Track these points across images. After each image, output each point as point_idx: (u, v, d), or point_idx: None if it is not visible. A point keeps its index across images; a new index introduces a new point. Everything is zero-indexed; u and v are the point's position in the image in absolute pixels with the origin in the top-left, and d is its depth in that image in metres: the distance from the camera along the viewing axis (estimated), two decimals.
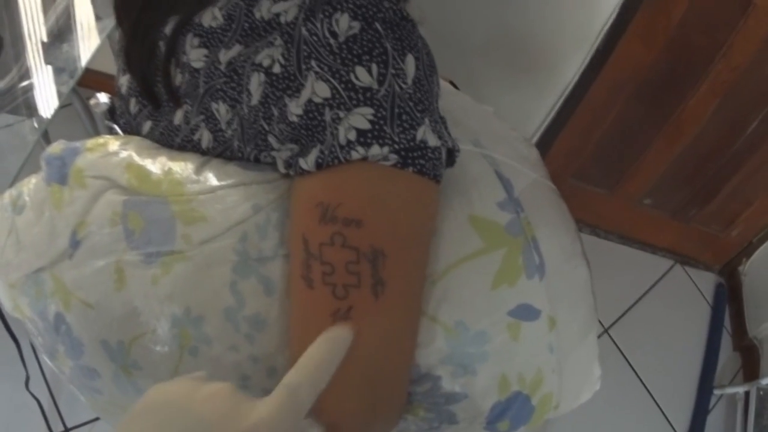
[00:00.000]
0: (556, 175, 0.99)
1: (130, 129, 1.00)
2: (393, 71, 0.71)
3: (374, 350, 0.73)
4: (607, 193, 3.08)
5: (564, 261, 0.90)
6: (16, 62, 1.73)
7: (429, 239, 0.79)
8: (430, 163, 0.72)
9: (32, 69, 1.74)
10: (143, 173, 0.84)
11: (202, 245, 0.80)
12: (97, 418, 2.26)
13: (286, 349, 0.80)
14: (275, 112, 0.74)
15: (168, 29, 0.84)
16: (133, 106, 0.97)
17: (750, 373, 2.93)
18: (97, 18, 1.89)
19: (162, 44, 0.86)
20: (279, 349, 0.80)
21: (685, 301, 3.28)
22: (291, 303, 0.77)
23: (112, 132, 1.06)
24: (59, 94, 1.68)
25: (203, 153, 0.86)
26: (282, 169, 0.78)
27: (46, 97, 1.68)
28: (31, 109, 1.65)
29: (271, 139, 0.77)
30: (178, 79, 0.86)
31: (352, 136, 0.69)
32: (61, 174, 0.89)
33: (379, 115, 0.70)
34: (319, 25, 0.71)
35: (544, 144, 2.61)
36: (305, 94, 0.71)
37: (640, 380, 2.90)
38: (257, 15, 0.76)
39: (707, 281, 3.39)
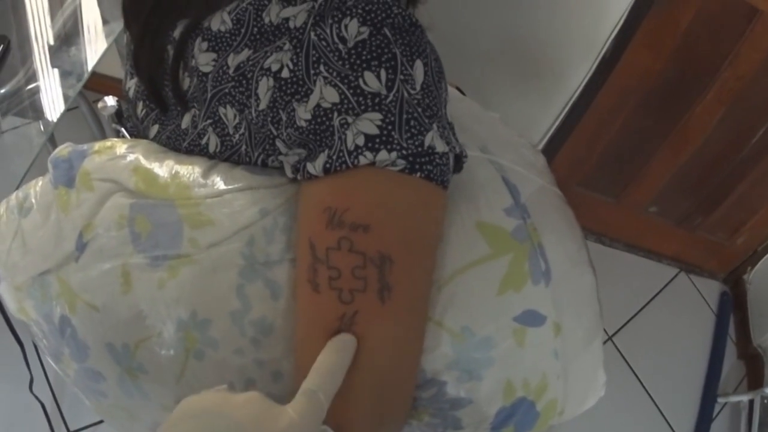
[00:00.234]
0: (562, 182, 0.98)
1: (138, 132, 1.00)
2: (402, 77, 0.71)
3: (380, 355, 0.73)
4: (612, 200, 3.08)
5: (570, 267, 0.90)
6: (23, 65, 1.73)
7: (436, 245, 0.79)
8: (437, 169, 0.72)
9: (39, 72, 1.74)
10: (150, 176, 0.85)
11: (209, 249, 0.80)
12: (100, 421, 2.26)
13: (291, 353, 0.80)
14: (283, 116, 0.74)
15: (177, 33, 0.84)
16: (141, 109, 0.97)
17: (754, 381, 2.93)
18: (105, 21, 1.89)
19: (170, 48, 0.86)
20: (285, 354, 0.80)
21: (690, 309, 3.27)
22: (297, 307, 0.77)
23: (119, 135, 1.06)
24: (66, 97, 1.69)
25: (210, 157, 0.86)
26: (290, 174, 0.78)
27: (53, 100, 1.68)
28: (37, 111, 1.65)
29: (279, 143, 0.77)
30: (186, 83, 0.86)
31: (360, 141, 0.69)
32: (68, 177, 0.89)
33: (387, 120, 0.70)
34: (328, 30, 0.71)
35: (550, 151, 2.60)
36: (314, 98, 0.71)
37: (644, 388, 2.90)
38: (266, 19, 0.77)
39: (712, 289, 3.38)
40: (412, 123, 0.70)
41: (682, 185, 2.92)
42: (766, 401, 2.74)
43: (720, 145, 2.69)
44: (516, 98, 2.33)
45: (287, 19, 0.75)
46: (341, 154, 0.70)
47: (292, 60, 0.73)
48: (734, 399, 2.88)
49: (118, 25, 1.84)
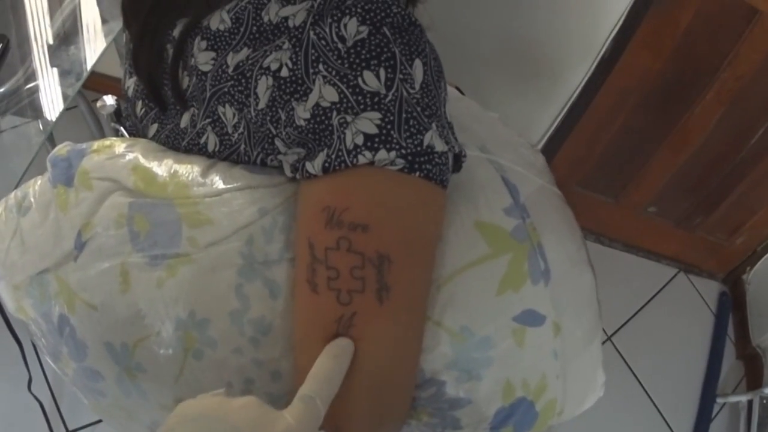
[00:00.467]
0: (561, 182, 0.98)
1: (137, 131, 1.00)
2: (401, 76, 0.71)
3: (379, 355, 0.73)
4: (611, 201, 3.08)
5: (569, 267, 0.90)
6: (22, 64, 1.73)
7: (435, 244, 0.79)
8: (437, 168, 0.72)
9: (38, 71, 1.74)
10: (149, 175, 0.84)
11: (208, 248, 0.80)
12: (98, 421, 2.26)
13: (290, 353, 0.80)
14: (282, 115, 0.74)
15: (176, 32, 0.84)
16: (140, 108, 0.97)
17: (753, 381, 2.93)
18: (104, 21, 1.89)
19: (170, 47, 0.86)
20: (283, 353, 0.80)
21: (689, 310, 3.27)
22: (295, 307, 0.77)
23: (118, 134, 1.06)
24: (65, 96, 1.68)
25: (209, 156, 0.86)
26: (289, 173, 0.77)
27: (52, 99, 1.68)
28: (36, 111, 1.65)
29: (278, 142, 0.77)
30: (186, 82, 0.86)
31: (360, 140, 0.69)
32: (67, 175, 0.89)
33: (386, 119, 0.70)
34: (327, 30, 0.71)
35: (550, 151, 2.60)
36: (313, 98, 0.71)
37: (643, 388, 2.90)
38: (265, 18, 0.76)
39: (711, 289, 3.38)
40: (411, 122, 0.70)
41: (681, 185, 2.92)
42: (765, 401, 2.74)
43: (719, 146, 2.69)
44: (515, 98, 2.33)
45: (286, 18, 0.75)
46: (340, 154, 0.70)
47: (291, 59, 0.73)
48: (733, 399, 2.88)
49: (117, 24, 1.84)
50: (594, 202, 3.08)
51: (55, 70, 1.76)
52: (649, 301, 3.20)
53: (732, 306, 3.31)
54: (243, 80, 0.78)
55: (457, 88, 1.20)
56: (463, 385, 0.83)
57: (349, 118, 0.70)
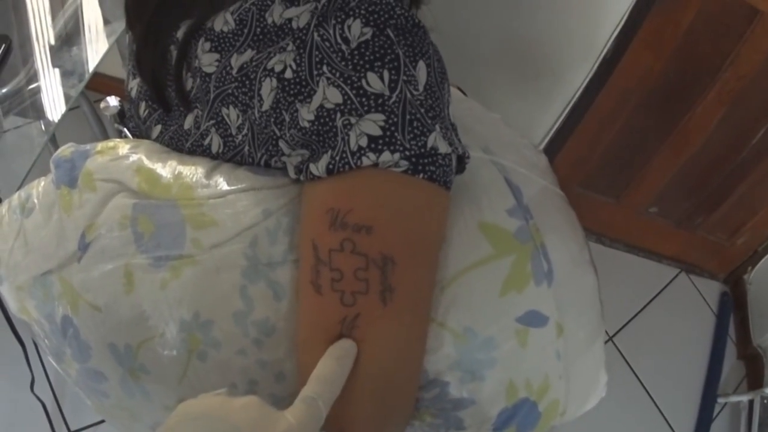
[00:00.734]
0: (563, 183, 0.98)
1: (140, 133, 1.00)
2: (405, 78, 0.71)
3: (383, 357, 0.73)
4: (613, 201, 3.08)
5: (572, 268, 0.90)
6: (24, 65, 1.73)
7: (439, 246, 0.79)
8: (440, 170, 0.72)
9: (40, 72, 1.74)
10: (153, 177, 0.85)
11: (212, 249, 0.80)
12: (101, 421, 2.26)
13: (294, 354, 0.80)
14: (286, 117, 0.74)
15: (180, 34, 0.84)
16: (143, 109, 0.97)
17: (754, 381, 2.93)
18: (106, 22, 1.89)
19: (173, 49, 0.86)
20: (287, 354, 0.80)
21: (690, 310, 3.27)
22: (299, 308, 0.77)
23: (121, 135, 1.06)
24: (67, 97, 1.68)
25: (213, 158, 0.86)
26: (292, 175, 0.78)
27: (54, 100, 1.68)
28: (39, 111, 1.65)
29: (282, 144, 0.77)
30: (189, 83, 0.86)
31: (363, 142, 0.70)
32: (70, 177, 0.89)
33: (390, 121, 0.70)
34: (331, 31, 0.71)
35: (551, 152, 2.60)
36: (317, 99, 0.71)
37: (644, 388, 2.90)
38: (269, 20, 0.77)
39: (712, 290, 3.38)
40: (415, 124, 0.70)
41: (682, 186, 2.92)
42: (766, 401, 2.74)
43: (720, 146, 2.69)
44: (516, 99, 2.33)
45: (290, 20, 0.75)
46: (344, 155, 0.70)
47: (295, 60, 0.73)
48: (734, 399, 2.88)
49: (120, 25, 1.84)
50: (595, 202, 3.08)
51: (57, 70, 1.76)
52: (650, 301, 3.20)
53: (733, 306, 3.31)
54: (247, 82, 0.78)
55: (460, 89, 1.20)
56: (466, 385, 0.83)
57: (353, 120, 0.70)
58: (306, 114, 0.72)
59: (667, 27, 2.24)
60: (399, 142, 0.70)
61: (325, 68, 0.71)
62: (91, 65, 1.77)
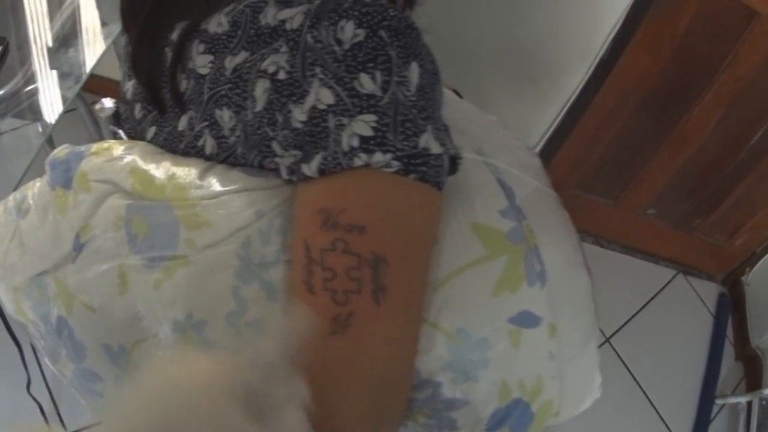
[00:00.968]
0: (560, 184, 0.98)
1: (135, 134, 1.00)
2: (397, 79, 0.71)
3: (375, 356, 0.73)
4: (610, 203, 3.08)
5: (565, 269, 0.90)
6: (21, 66, 1.73)
7: (431, 246, 0.79)
8: (432, 171, 0.73)
9: (37, 73, 1.74)
10: (147, 178, 0.85)
11: (205, 250, 0.80)
12: (97, 422, 2.26)
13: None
14: (279, 118, 0.74)
15: (175, 36, 0.85)
16: (138, 111, 0.97)
17: (752, 383, 2.93)
18: (103, 24, 1.89)
19: (168, 50, 0.86)
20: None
21: (688, 311, 3.27)
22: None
23: (116, 137, 1.06)
24: (64, 98, 1.69)
25: (207, 159, 0.86)
26: (285, 176, 0.78)
27: (51, 102, 1.68)
28: (35, 113, 1.65)
29: (274, 145, 0.77)
30: (184, 85, 0.86)
31: (355, 142, 0.70)
32: (65, 178, 0.89)
33: (382, 122, 0.70)
34: (324, 33, 0.72)
35: (548, 153, 2.60)
36: (309, 100, 0.71)
37: (642, 390, 2.90)
38: (263, 22, 0.77)
39: (710, 291, 3.38)
40: (407, 125, 0.71)
41: (680, 187, 2.92)
42: (764, 403, 2.74)
43: (718, 147, 2.69)
44: (514, 100, 2.33)
45: (284, 21, 0.75)
46: (336, 156, 0.70)
47: (288, 62, 0.73)
48: (732, 400, 2.88)
49: (117, 26, 1.84)
50: (593, 203, 3.08)
51: (54, 72, 1.76)
52: (647, 302, 3.20)
53: (731, 307, 3.31)
54: (240, 83, 0.78)
55: (455, 91, 1.20)
56: (459, 386, 0.83)
57: (345, 121, 0.70)
58: (299, 115, 0.72)
59: (664, 28, 2.25)
60: (391, 143, 0.70)
61: (317, 69, 0.71)
62: (88, 67, 1.77)
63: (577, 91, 2.26)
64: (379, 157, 0.70)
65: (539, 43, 2.16)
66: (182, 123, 0.88)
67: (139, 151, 0.89)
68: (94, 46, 1.83)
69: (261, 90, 0.75)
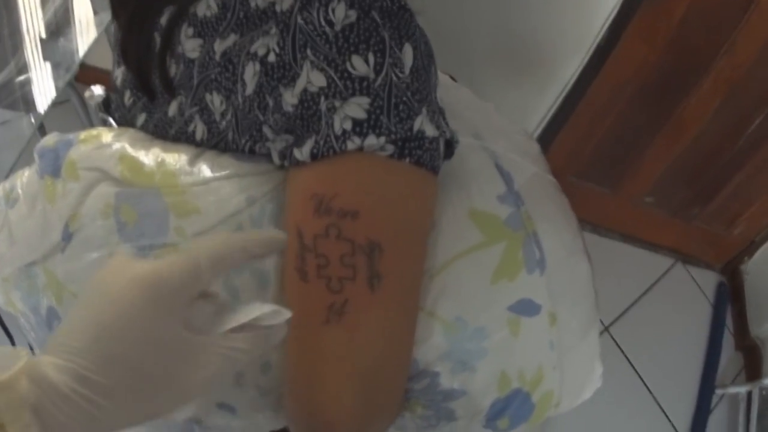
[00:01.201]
0: (557, 173, 0.98)
1: (125, 122, 0.99)
2: (390, 60, 0.70)
3: (371, 345, 0.73)
4: (608, 191, 3.08)
5: (565, 256, 0.89)
6: (13, 56, 1.73)
7: (427, 232, 0.78)
8: (427, 154, 0.71)
9: (30, 64, 1.73)
10: (136, 165, 0.83)
11: (196, 237, 0.79)
12: None
13: (280, 344, 0.79)
14: (270, 102, 0.73)
15: (163, 20, 0.83)
16: (128, 98, 0.96)
17: (752, 373, 2.93)
18: (95, 12, 1.89)
19: (157, 35, 0.85)
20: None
21: (687, 300, 3.27)
22: (285, 296, 0.76)
23: (106, 125, 1.05)
24: (56, 89, 1.68)
25: (197, 145, 0.85)
26: (277, 161, 0.77)
27: (44, 92, 1.67)
28: (28, 104, 1.64)
29: (265, 129, 0.76)
30: (173, 70, 0.85)
31: (348, 125, 0.68)
32: (54, 166, 0.88)
33: (375, 104, 0.69)
34: (315, 14, 0.70)
35: (545, 142, 2.60)
36: (300, 83, 0.70)
37: (641, 379, 2.89)
38: (252, 4, 0.75)
39: (709, 280, 3.38)
40: (401, 107, 0.69)
41: (678, 176, 2.92)
42: (764, 393, 2.74)
43: (716, 136, 2.69)
44: (510, 88, 2.33)
45: (274, 3, 0.74)
46: (328, 140, 0.69)
47: (278, 44, 0.72)
48: (732, 390, 2.88)
49: (108, 15, 1.84)
50: (590, 192, 3.08)
51: (48, 63, 1.75)
52: (646, 291, 3.20)
53: (730, 297, 3.31)
54: (230, 67, 0.77)
55: (450, 77, 1.19)
56: (457, 376, 0.82)
57: (337, 104, 0.69)
58: (289, 98, 0.71)
59: (660, 16, 2.24)
60: (384, 126, 0.69)
61: (308, 51, 0.70)
62: (80, 56, 1.76)
63: (573, 80, 2.25)
64: (372, 140, 0.69)
65: (535, 30, 2.15)
66: (172, 109, 0.87)
67: (128, 138, 0.88)
68: (86, 35, 1.83)
69: (251, 73, 0.74)
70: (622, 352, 2.94)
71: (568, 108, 2.37)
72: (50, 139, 0.92)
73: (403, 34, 0.71)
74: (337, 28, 0.69)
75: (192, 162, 0.81)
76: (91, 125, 1.88)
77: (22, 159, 1.46)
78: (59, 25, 1.84)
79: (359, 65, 0.69)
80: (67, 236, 0.85)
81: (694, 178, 2.93)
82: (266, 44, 0.73)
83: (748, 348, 3.04)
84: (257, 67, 0.73)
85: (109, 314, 0.55)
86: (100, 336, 0.54)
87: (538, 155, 0.98)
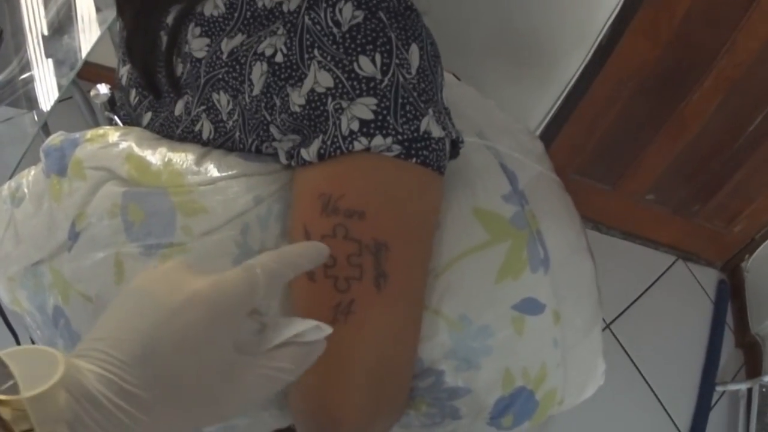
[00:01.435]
0: (559, 170, 0.98)
1: (131, 120, 0.99)
2: (397, 61, 0.70)
3: (377, 343, 0.73)
4: (609, 188, 3.07)
5: (569, 254, 0.89)
6: (16, 54, 1.72)
7: (433, 231, 0.79)
8: (433, 155, 0.72)
9: (33, 61, 1.73)
10: (143, 164, 0.83)
11: (203, 237, 0.79)
12: None
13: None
14: (277, 102, 0.73)
15: (170, 19, 0.84)
16: (134, 97, 0.96)
17: (753, 370, 2.93)
18: (98, 9, 1.88)
19: (163, 34, 0.85)
20: None
21: (688, 298, 3.27)
22: (292, 295, 0.77)
23: (112, 123, 1.05)
24: (59, 86, 1.68)
25: (204, 144, 0.85)
26: (284, 160, 0.77)
27: (47, 90, 1.67)
28: (31, 101, 1.64)
29: (272, 129, 0.76)
30: (180, 69, 0.85)
31: (355, 126, 0.69)
32: (60, 165, 0.88)
33: (382, 105, 0.69)
34: (322, 14, 0.70)
35: (547, 139, 2.57)
36: (308, 83, 0.70)
37: (642, 376, 2.89)
38: (259, 3, 0.76)
39: (709, 277, 3.38)
40: (407, 108, 0.70)
41: (679, 173, 2.92)
42: (764, 389, 2.74)
43: (717, 133, 2.68)
44: (512, 85, 2.32)
45: (281, 3, 0.74)
46: (335, 140, 0.69)
47: (285, 44, 0.72)
48: (733, 387, 2.88)
49: (112, 12, 1.83)
50: (592, 189, 3.08)
51: (49, 60, 1.75)
52: (647, 289, 3.19)
53: (731, 294, 3.30)
54: (237, 66, 0.77)
55: (454, 75, 1.19)
56: (462, 374, 0.82)
57: (344, 104, 0.69)
58: (297, 98, 0.71)
59: (662, 14, 2.24)
60: (391, 126, 0.69)
61: (316, 52, 0.70)
62: (84, 54, 1.76)
63: (575, 77, 2.25)
64: (379, 140, 0.69)
65: (537, 28, 2.15)
66: (178, 108, 0.87)
67: (134, 137, 0.88)
68: (89, 33, 1.82)
69: (258, 73, 0.74)
70: (623, 348, 2.94)
71: (570, 105, 2.37)
72: (56, 138, 0.92)
73: (409, 35, 0.71)
74: (344, 28, 0.70)
75: (199, 161, 0.82)
76: (95, 122, 1.88)
77: (27, 157, 1.46)
78: (62, 23, 1.83)
79: (366, 66, 0.69)
80: (74, 235, 0.85)
81: (695, 176, 2.93)
82: (273, 44, 0.73)
83: (748, 345, 3.04)
84: (264, 67, 0.74)
85: (165, 330, 0.54)
86: (151, 353, 0.53)
87: (541, 154, 0.98)
